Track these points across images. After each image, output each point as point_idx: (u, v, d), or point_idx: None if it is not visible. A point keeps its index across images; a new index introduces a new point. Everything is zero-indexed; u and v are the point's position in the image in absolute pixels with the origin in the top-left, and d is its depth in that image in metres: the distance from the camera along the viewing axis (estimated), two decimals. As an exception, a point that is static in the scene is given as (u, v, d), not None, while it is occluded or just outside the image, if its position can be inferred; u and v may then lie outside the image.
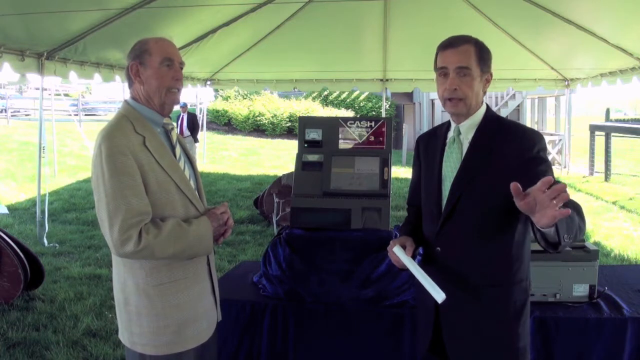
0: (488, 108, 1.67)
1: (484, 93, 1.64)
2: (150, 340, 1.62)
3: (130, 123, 1.60)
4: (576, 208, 1.41)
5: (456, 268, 1.63)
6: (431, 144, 1.77)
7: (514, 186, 1.25)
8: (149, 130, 1.62)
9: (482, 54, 1.59)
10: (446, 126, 1.74)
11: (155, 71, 1.63)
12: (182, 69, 1.70)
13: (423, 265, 1.70)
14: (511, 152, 1.55)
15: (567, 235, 1.33)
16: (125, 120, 1.60)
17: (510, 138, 1.58)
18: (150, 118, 1.66)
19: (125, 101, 1.70)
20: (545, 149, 1.57)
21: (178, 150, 1.73)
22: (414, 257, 1.70)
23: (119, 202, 1.50)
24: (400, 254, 1.62)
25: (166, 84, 1.64)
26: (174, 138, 1.73)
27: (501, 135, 1.59)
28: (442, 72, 1.60)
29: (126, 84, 1.72)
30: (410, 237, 1.74)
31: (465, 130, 1.64)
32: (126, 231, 1.49)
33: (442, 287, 1.51)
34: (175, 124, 1.79)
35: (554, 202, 1.20)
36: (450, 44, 1.59)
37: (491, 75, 1.63)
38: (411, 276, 1.61)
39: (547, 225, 1.25)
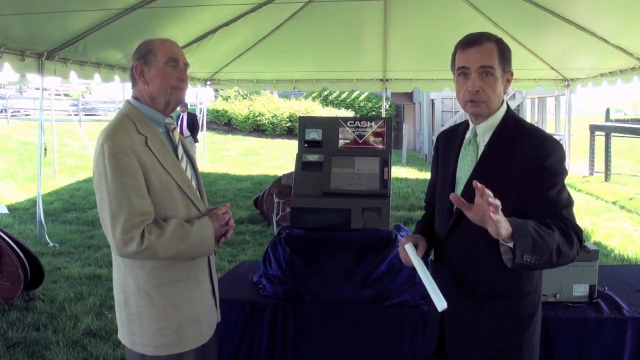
0: (508, 109, 1.58)
1: (505, 93, 1.57)
2: (151, 341, 1.62)
3: (133, 123, 1.59)
4: (565, 234, 1.37)
5: (462, 273, 1.58)
6: (449, 142, 1.69)
7: (454, 196, 1.23)
8: (151, 130, 1.62)
9: (504, 53, 1.50)
10: (465, 125, 1.67)
11: (159, 71, 1.62)
12: (187, 69, 1.70)
13: (433, 264, 1.67)
14: (526, 159, 1.47)
15: (531, 255, 1.30)
16: (127, 120, 1.60)
17: (527, 144, 1.48)
18: (152, 118, 1.66)
19: (127, 101, 1.69)
20: (561, 160, 1.48)
21: (180, 150, 1.72)
22: (425, 258, 1.66)
23: (122, 202, 1.49)
24: (411, 253, 1.59)
25: (171, 84, 1.64)
26: (176, 138, 1.73)
27: (518, 140, 1.50)
28: (462, 72, 1.50)
29: (126, 84, 1.72)
30: (424, 236, 1.70)
31: (482, 132, 1.57)
32: (129, 231, 1.49)
33: (446, 292, 1.47)
34: (175, 124, 1.79)
35: (489, 205, 1.20)
36: (473, 42, 1.48)
37: (512, 74, 1.54)
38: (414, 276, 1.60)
39: (495, 234, 1.25)
